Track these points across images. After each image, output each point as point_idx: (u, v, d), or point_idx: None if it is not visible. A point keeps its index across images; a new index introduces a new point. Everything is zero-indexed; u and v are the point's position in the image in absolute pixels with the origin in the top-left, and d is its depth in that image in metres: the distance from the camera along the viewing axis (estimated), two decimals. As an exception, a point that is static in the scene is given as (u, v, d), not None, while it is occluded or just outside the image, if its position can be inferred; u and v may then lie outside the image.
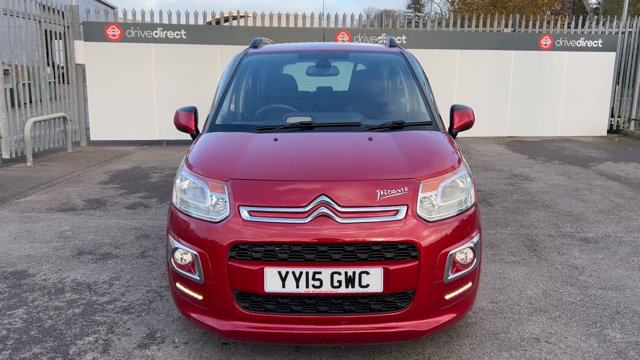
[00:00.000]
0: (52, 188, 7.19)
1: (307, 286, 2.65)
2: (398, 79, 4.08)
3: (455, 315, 2.90)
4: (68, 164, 8.91)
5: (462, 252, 2.84)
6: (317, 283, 2.65)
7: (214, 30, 11.14)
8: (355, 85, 4.14)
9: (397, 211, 2.73)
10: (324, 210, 2.69)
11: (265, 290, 2.66)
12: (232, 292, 2.71)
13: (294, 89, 4.06)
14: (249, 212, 2.73)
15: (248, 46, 4.32)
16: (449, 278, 2.78)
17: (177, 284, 2.94)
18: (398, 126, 3.47)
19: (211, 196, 2.83)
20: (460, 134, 12.24)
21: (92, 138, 10.84)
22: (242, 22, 14.45)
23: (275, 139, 3.27)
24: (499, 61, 11.92)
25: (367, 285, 2.66)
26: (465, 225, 2.89)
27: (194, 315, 2.90)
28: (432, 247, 2.71)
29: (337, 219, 2.68)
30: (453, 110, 3.95)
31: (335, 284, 2.65)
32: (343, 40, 11.45)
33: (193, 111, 3.82)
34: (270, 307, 2.71)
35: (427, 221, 2.75)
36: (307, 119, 3.62)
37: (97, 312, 3.57)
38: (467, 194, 2.98)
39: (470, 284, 2.94)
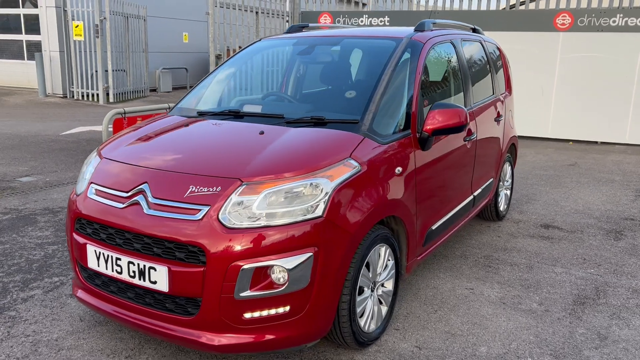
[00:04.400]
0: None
1: (112, 270, 2.70)
2: (368, 71, 3.52)
3: (273, 337, 2.54)
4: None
5: (273, 270, 2.45)
6: (118, 269, 2.67)
7: (414, 16, 10.86)
8: (324, 77, 3.75)
9: (199, 211, 2.52)
10: (139, 198, 2.67)
11: (88, 265, 2.81)
12: (76, 261, 2.94)
13: (268, 78, 3.90)
14: (95, 190, 2.89)
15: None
16: (241, 295, 2.45)
17: (74, 247, 3.30)
18: (319, 122, 3.08)
19: (90, 171, 3.08)
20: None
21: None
22: (532, 6, 13.16)
23: (187, 125, 3.30)
24: None
25: (155, 282, 2.56)
26: (288, 240, 2.47)
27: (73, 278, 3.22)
28: (222, 255, 2.43)
29: (145, 209, 2.63)
30: (430, 109, 3.28)
31: (131, 273, 2.63)
32: (563, 24, 9.84)
33: None
34: (98, 282, 2.85)
35: (226, 227, 2.47)
36: (255, 109, 3.51)
37: (65, 262, 4.12)
38: (310, 205, 2.53)
39: (287, 308, 2.51)
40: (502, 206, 5.29)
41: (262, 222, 2.49)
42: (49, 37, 14.98)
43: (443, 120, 3.23)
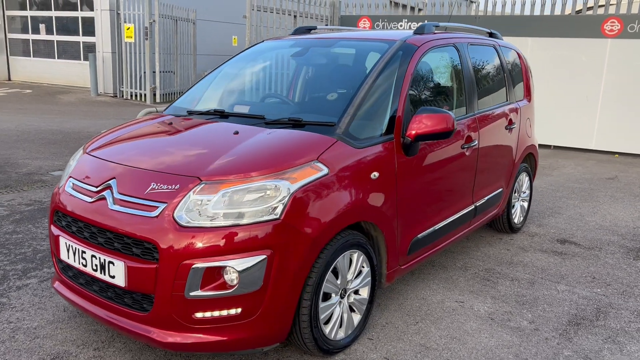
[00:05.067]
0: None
1: (78, 263, 2.75)
2: (355, 74, 3.45)
3: (225, 338, 2.52)
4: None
5: (226, 271, 2.43)
6: (84, 262, 2.73)
7: (454, 20, 10.60)
8: (313, 78, 3.69)
9: (157, 208, 2.54)
10: (106, 193, 2.72)
11: (60, 257, 2.88)
12: (53, 253, 3.02)
13: (260, 79, 3.89)
14: (72, 184, 2.96)
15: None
16: (192, 294, 2.44)
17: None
18: (297, 123, 3.04)
19: (73, 165, 3.16)
20: None
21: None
22: (612, 10, 12.47)
23: (170, 123, 3.33)
24: None
25: (114, 277, 2.59)
26: (243, 242, 2.44)
27: (59, 268, 3.31)
28: (175, 253, 2.44)
29: (110, 204, 2.67)
30: (415, 113, 3.18)
31: (94, 267, 2.67)
32: (612, 30, 9.36)
33: None
34: (70, 274, 2.92)
35: (180, 225, 2.47)
36: (243, 109, 3.51)
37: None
38: (268, 206, 2.50)
39: (239, 310, 2.48)
40: (516, 218, 5.06)
41: (218, 222, 2.47)
42: (102, 38, 15.62)
43: (428, 126, 3.12)
